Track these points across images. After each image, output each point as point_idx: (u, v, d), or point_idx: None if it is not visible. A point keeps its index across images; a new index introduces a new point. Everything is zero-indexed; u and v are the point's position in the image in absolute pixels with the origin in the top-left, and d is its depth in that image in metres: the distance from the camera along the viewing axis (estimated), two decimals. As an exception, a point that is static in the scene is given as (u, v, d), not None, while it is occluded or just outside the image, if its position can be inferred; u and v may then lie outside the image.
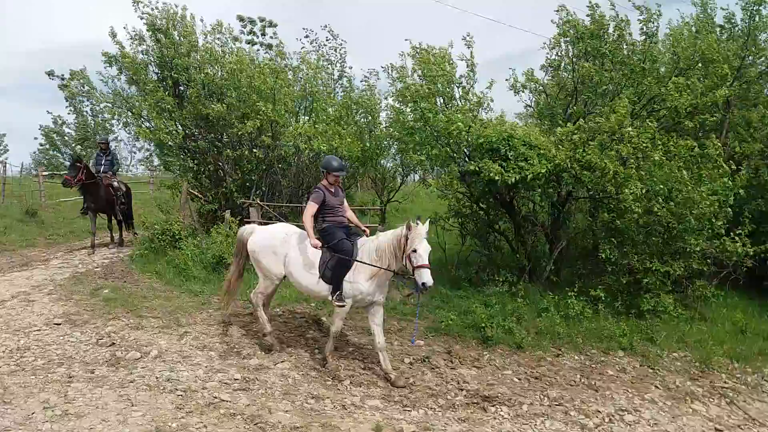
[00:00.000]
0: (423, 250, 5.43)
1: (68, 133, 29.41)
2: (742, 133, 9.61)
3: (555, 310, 7.55)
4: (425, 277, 5.32)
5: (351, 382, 5.75)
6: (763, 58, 9.93)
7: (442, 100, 9.45)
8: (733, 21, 9.98)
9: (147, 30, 11.68)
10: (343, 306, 5.82)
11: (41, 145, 29.88)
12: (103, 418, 4.43)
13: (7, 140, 37.70)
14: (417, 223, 5.52)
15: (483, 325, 7.05)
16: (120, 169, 11.61)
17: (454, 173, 8.91)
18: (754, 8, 9.46)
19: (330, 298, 5.88)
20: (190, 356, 5.98)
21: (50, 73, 25.57)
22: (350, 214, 6.37)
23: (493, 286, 8.38)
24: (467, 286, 8.45)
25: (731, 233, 8.10)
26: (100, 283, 8.76)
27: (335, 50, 15.68)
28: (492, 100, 9.48)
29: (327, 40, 15.83)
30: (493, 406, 5.55)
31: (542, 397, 5.85)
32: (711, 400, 6.14)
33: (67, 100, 25.52)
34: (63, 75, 25.25)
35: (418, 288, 5.49)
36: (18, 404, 4.58)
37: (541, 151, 7.87)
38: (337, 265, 5.79)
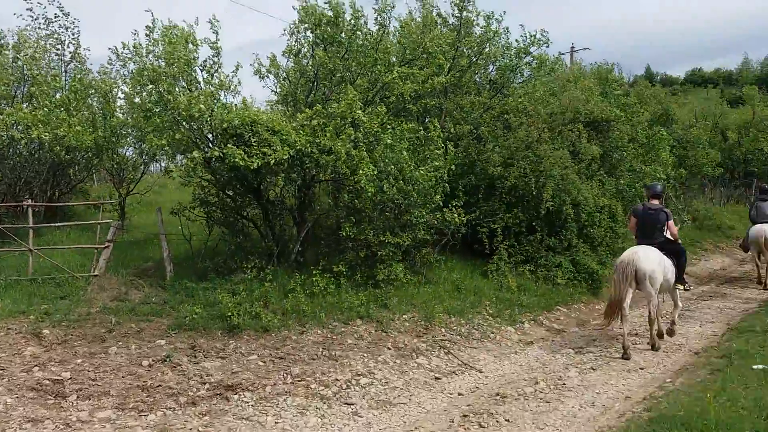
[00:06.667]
0: None
1: None
2: (456, 117, 10.97)
3: (301, 290, 7.80)
4: None
5: (78, 396, 5.27)
6: (472, 49, 11.31)
7: (185, 83, 9.04)
8: (444, 16, 11.25)
9: None
10: None
11: None
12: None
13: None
14: None
15: (229, 314, 6.99)
16: None
17: (198, 159, 8.61)
18: (462, 4, 10.80)
19: None
20: None
21: None
22: None
23: (242, 274, 8.34)
24: (214, 277, 8.27)
25: (449, 205, 9.25)
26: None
27: (66, 29, 13.80)
28: (240, 83, 9.35)
29: (56, 17, 13.85)
30: (236, 393, 5.61)
31: (285, 375, 6.07)
32: (433, 352, 7.01)
33: None
34: None
35: None
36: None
37: (284, 137, 8.03)
38: None
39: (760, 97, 28.24)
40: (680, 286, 8.07)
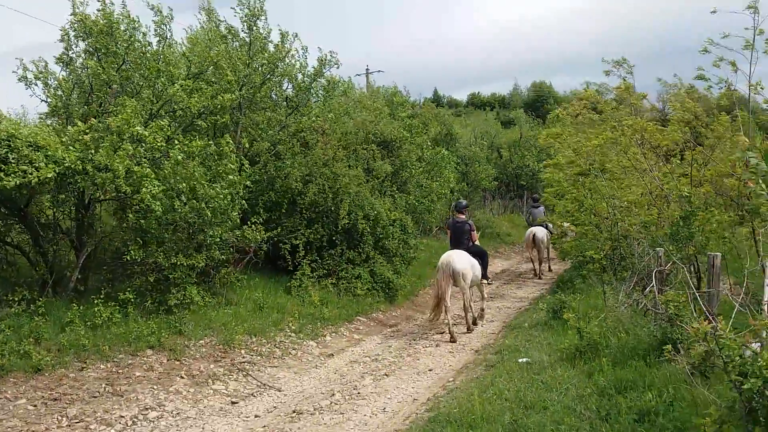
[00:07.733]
0: None
1: None
2: (252, 133, 10.86)
3: (81, 322, 7.04)
4: None
5: None
6: (264, 66, 11.24)
7: None
8: (234, 32, 11.07)
9: None
10: None
11: None
12: None
13: None
14: None
15: (-10, 355, 6.06)
16: None
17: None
18: (252, 21, 10.75)
19: None
20: None
21: None
22: None
23: (7, 308, 7.27)
24: (-28, 315, 7.10)
25: (249, 222, 9.11)
26: None
27: None
28: (-7, 94, 8.24)
29: None
30: (-3, 447, 4.86)
31: (60, 418, 5.45)
32: (231, 376, 6.81)
33: None
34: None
35: None
36: None
37: (50, 153, 7.22)
38: None
39: (526, 119, 32.55)
40: (485, 281, 9.86)
